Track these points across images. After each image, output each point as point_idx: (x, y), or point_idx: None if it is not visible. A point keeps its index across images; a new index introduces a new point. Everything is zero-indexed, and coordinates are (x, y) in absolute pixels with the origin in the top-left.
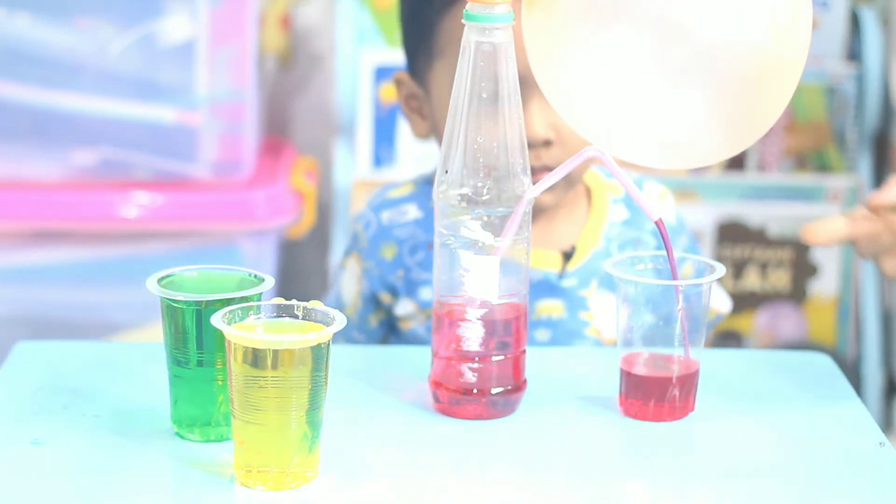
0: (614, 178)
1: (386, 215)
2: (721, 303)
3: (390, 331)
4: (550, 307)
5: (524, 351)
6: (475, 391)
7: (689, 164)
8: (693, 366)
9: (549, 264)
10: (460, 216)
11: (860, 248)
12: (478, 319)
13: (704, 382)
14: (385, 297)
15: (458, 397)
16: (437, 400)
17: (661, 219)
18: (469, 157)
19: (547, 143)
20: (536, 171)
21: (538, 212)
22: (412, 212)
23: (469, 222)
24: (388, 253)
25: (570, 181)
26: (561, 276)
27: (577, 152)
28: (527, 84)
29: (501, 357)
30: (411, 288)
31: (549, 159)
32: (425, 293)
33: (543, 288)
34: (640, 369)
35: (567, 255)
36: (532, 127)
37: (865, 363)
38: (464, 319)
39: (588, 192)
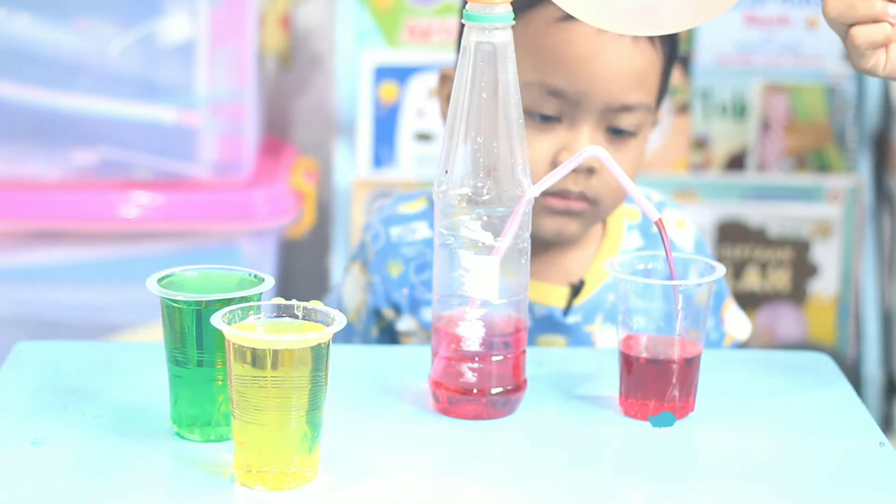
0: (618, 179)
1: (395, 231)
2: (740, 329)
3: (391, 340)
4: (552, 341)
5: (524, 351)
6: (475, 391)
7: (658, 31)
8: (695, 349)
9: (554, 300)
10: (460, 216)
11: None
12: (478, 319)
13: (704, 382)
14: (388, 313)
15: (457, 397)
16: (436, 400)
17: (660, 219)
18: (469, 157)
19: (590, 171)
20: (573, 197)
21: (554, 243)
22: (422, 230)
23: (469, 222)
24: (395, 270)
25: (599, 213)
26: (566, 312)
27: (618, 184)
28: (582, 107)
29: (501, 357)
30: (414, 306)
31: (588, 188)
32: (427, 313)
33: (546, 324)
34: (640, 352)
35: (575, 288)
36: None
37: (865, 363)
38: (464, 319)
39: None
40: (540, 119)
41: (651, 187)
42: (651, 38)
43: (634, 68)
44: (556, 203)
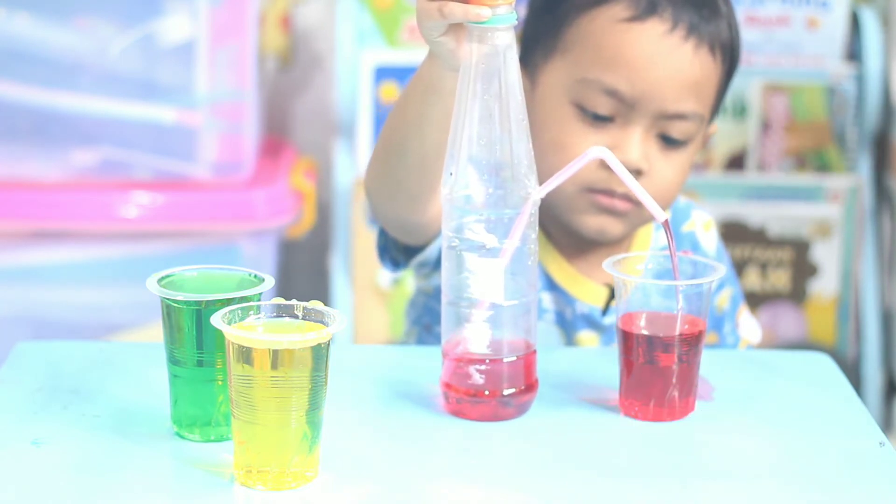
0: (623, 179)
1: None
2: (753, 333)
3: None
4: (587, 339)
5: (534, 352)
6: (486, 392)
7: None
8: (697, 325)
9: (595, 299)
10: (465, 218)
11: None
12: (485, 322)
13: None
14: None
15: (466, 398)
16: (447, 401)
17: (667, 220)
18: (474, 158)
19: (638, 173)
20: (617, 197)
21: (596, 242)
22: None
23: (474, 224)
24: None
25: (643, 216)
26: (604, 312)
27: (665, 188)
28: (637, 110)
29: (513, 358)
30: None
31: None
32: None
33: (586, 321)
34: (640, 329)
35: (612, 290)
36: (629, 152)
37: (865, 363)
38: (471, 321)
39: None
40: (592, 117)
41: None
42: (712, 50)
43: (692, 77)
44: (603, 200)
